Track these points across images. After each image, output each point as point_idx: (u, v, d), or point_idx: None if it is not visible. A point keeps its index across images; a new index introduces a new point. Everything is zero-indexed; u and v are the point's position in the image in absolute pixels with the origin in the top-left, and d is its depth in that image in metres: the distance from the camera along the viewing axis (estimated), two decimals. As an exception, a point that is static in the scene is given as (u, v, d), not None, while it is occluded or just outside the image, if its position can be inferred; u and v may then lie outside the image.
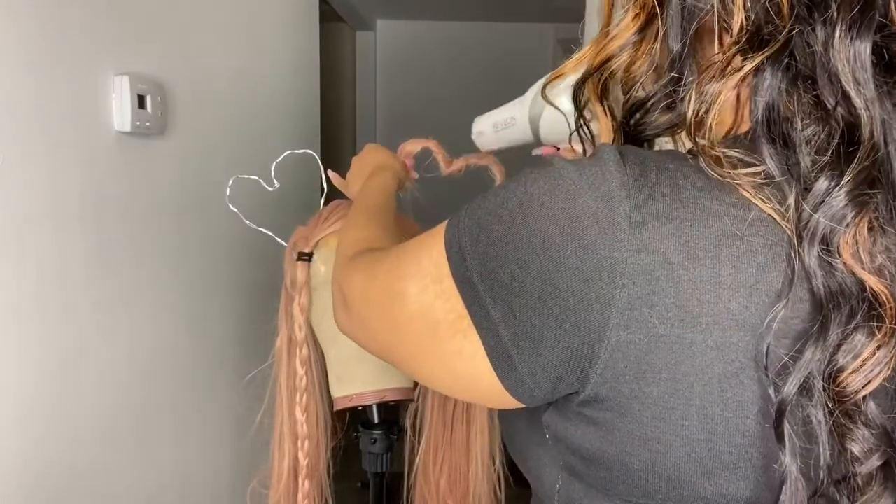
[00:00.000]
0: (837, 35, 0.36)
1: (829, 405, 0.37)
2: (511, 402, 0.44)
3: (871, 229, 0.36)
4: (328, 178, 0.97)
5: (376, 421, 0.94)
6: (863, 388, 0.36)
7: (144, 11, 1.12)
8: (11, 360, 0.87)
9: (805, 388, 0.37)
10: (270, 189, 0.97)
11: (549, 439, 0.47)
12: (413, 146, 0.94)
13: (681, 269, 0.38)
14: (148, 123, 1.11)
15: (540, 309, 0.40)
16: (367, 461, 0.96)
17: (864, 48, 0.36)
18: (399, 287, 0.48)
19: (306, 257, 0.89)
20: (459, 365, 0.44)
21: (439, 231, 0.46)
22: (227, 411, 1.49)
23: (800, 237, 0.37)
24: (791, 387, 0.37)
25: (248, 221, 0.94)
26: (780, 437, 0.37)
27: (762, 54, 0.38)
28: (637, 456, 0.41)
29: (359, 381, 0.91)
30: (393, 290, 0.49)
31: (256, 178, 0.98)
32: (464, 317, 0.43)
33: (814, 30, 0.37)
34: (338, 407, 0.93)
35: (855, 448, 0.37)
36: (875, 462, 0.37)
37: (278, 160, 0.96)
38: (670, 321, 0.38)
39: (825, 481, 0.38)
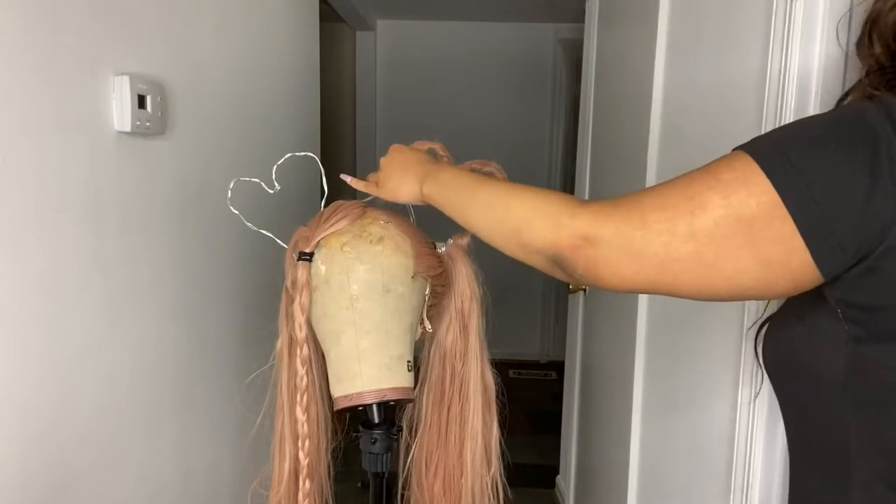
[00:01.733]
0: None
1: None
2: (810, 279, 0.53)
3: None
4: (327, 180, 0.97)
5: (377, 421, 0.93)
6: None
7: (144, 11, 1.12)
8: (12, 359, 0.88)
9: None
10: (271, 191, 0.97)
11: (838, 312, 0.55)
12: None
13: None
14: (148, 123, 1.11)
15: (848, 185, 0.49)
16: (367, 461, 0.95)
17: None
18: (697, 202, 0.54)
19: (307, 257, 0.89)
20: (773, 250, 0.52)
21: (726, 157, 0.55)
22: (227, 412, 1.49)
23: None
24: None
25: (249, 223, 0.94)
26: None
27: None
28: None
29: (359, 380, 0.90)
30: (690, 207, 0.55)
31: (257, 180, 0.98)
32: (778, 204, 0.51)
33: None
34: (338, 406, 0.93)
35: None
36: None
37: (279, 163, 0.96)
38: None
39: None
